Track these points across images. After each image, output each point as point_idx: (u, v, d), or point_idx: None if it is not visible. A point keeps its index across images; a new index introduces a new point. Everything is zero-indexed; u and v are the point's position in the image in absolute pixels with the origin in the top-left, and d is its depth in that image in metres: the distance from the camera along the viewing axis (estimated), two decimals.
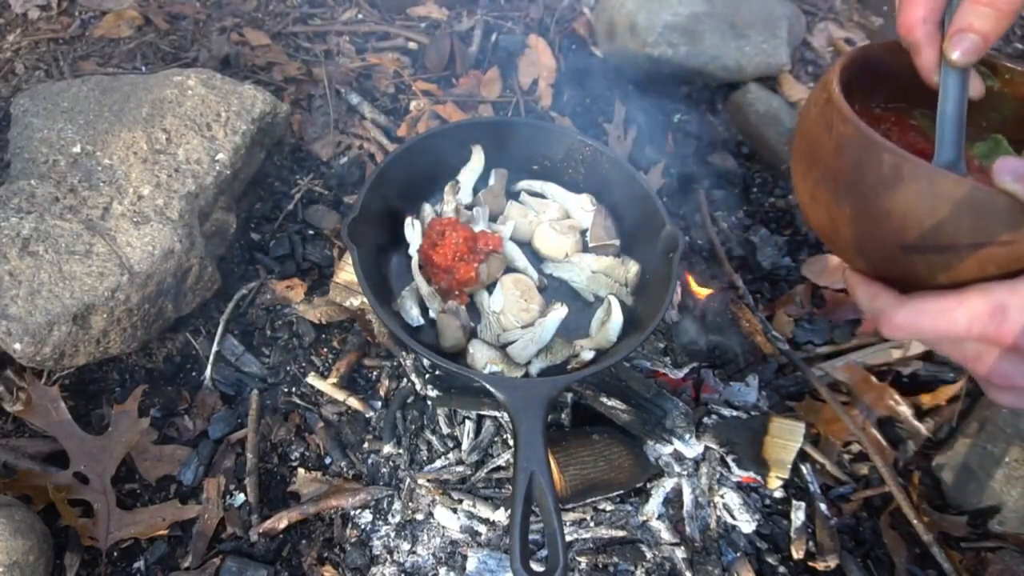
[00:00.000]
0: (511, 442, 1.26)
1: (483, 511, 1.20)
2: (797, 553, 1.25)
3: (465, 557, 1.17)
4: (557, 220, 1.37)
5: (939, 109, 0.76)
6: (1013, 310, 0.59)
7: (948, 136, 0.77)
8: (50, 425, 1.24)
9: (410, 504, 1.22)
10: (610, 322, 1.22)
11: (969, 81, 0.75)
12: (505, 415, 1.26)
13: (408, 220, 1.30)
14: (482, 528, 1.19)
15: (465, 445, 1.27)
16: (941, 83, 0.76)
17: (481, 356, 1.17)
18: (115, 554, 1.18)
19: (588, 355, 1.20)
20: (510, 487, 1.24)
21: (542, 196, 1.42)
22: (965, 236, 0.61)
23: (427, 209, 1.35)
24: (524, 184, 1.43)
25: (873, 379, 1.44)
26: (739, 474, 1.28)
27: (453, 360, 1.16)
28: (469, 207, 1.36)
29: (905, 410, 1.41)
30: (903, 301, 0.66)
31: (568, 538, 1.20)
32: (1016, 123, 0.78)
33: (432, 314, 1.23)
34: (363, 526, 1.21)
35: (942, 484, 1.37)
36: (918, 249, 0.65)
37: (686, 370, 1.33)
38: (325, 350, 1.42)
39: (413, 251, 1.28)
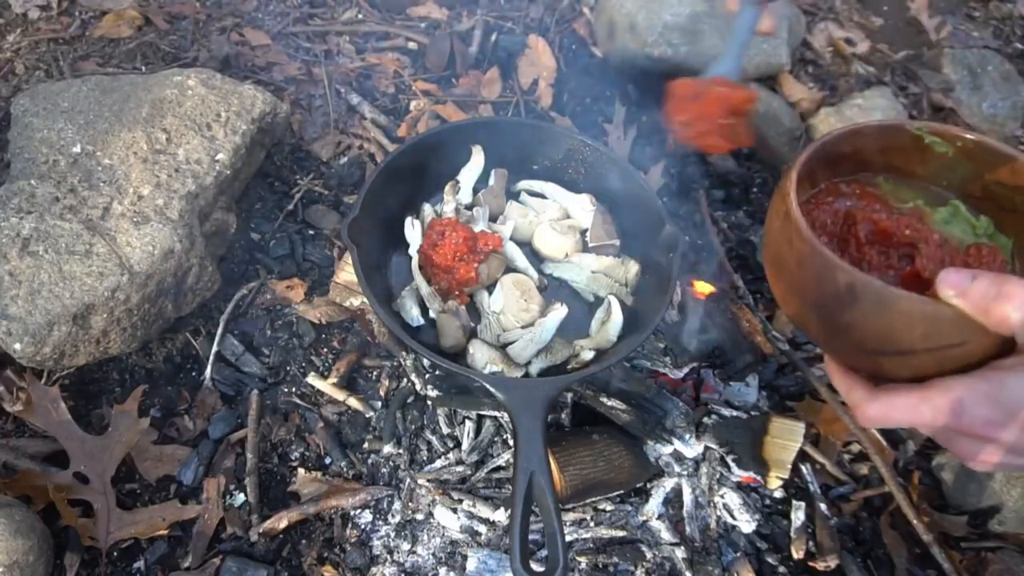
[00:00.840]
0: (511, 442, 1.26)
1: (483, 511, 1.20)
2: (797, 553, 1.25)
3: (465, 557, 1.17)
4: (557, 220, 1.37)
5: (732, 31, 1.08)
6: (970, 404, 0.65)
7: (732, 52, 1.13)
8: (50, 425, 1.24)
9: (410, 504, 1.22)
10: (610, 322, 1.22)
11: (759, 18, 1.05)
12: (505, 415, 1.26)
13: (408, 220, 1.30)
14: (482, 528, 1.19)
15: (465, 445, 1.27)
16: (738, 14, 1.06)
17: (481, 356, 1.17)
18: (115, 554, 1.18)
19: (588, 355, 1.20)
20: (510, 487, 1.24)
21: (542, 196, 1.42)
22: (920, 342, 0.67)
23: (427, 209, 1.35)
24: (524, 184, 1.43)
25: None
26: (739, 474, 1.28)
27: (453, 360, 1.16)
28: (469, 207, 1.36)
29: None
30: (874, 395, 0.72)
31: (568, 538, 1.20)
32: (973, 182, 0.83)
33: (432, 314, 1.23)
34: (363, 526, 1.21)
35: (942, 484, 1.37)
36: (881, 352, 0.70)
37: (686, 370, 1.33)
38: (325, 350, 1.42)
39: (413, 251, 1.28)
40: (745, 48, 1.10)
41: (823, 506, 1.30)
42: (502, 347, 1.21)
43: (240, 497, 1.24)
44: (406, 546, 1.19)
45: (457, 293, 1.23)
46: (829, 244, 0.77)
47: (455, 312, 1.20)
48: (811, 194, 0.84)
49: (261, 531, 1.20)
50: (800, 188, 0.77)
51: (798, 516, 1.28)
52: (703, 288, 1.49)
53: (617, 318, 1.22)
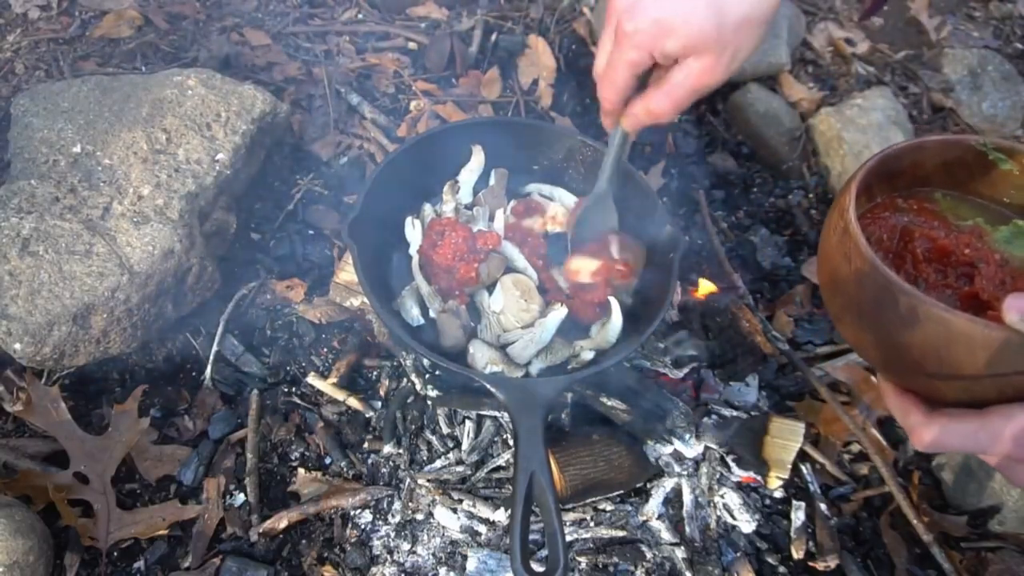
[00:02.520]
0: (511, 442, 1.26)
1: (483, 511, 1.20)
2: (797, 553, 1.25)
3: (465, 557, 1.17)
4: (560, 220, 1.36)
5: (606, 154, 1.16)
6: None
7: (607, 172, 1.19)
8: (50, 425, 1.24)
9: (410, 504, 1.22)
10: (610, 323, 1.22)
11: (629, 140, 1.12)
12: (505, 415, 1.26)
13: (408, 220, 1.30)
14: (482, 528, 1.19)
15: (465, 445, 1.27)
16: (612, 136, 1.12)
17: (481, 356, 1.17)
18: (115, 554, 1.18)
19: (588, 355, 1.20)
20: (510, 487, 1.24)
21: (550, 199, 1.42)
22: (982, 368, 0.65)
23: (427, 209, 1.35)
24: (534, 187, 1.43)
25: (873, 379, 1.44)
26: (739, 474, 1.28)
27: (453, 360, 1.16)
28: (469, 207, 1.36)
29: None
30: (931, 420, 0.70)
31: (568, 538, 1.20)
32: None
33: (432, 314, 1.23)
34: (363, 526, 1.21)
35: (942, 484, 1.37)
36: (939, 376, 0.68)
37: (686, 370, 1.33)
38: (325, 350, 1.42)
39: (413, 251, 1.28)
40: (617, 168, 1.18)
41: (823, 506, 1.30)
42: (502, 347, 1.21)
43: (240, 497, 1.24)
44: (406, 546, 1.19)
45: (457, 293, 1.23)
46: (885, 260, 0.74)
47: (455, 312, 1.20)
48: (867, 208, 0.82)
49: (261, 531, 1.20)
50: (856, 202, 0.75)
51: (798, 516, 1.28)
52: (705, 288, 1.49)
53: (617, 319, 1.22)
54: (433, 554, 1.18)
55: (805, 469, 1.35)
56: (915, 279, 0.75)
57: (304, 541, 1.21)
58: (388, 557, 1.18)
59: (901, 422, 0.74)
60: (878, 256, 0.70)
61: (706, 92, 0.94)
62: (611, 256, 1.23)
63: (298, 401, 1.35)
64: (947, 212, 0.82)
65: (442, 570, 1.16)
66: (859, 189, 0.76)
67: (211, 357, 1.37)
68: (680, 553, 1.19)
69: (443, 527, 1.20)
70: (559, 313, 1.19)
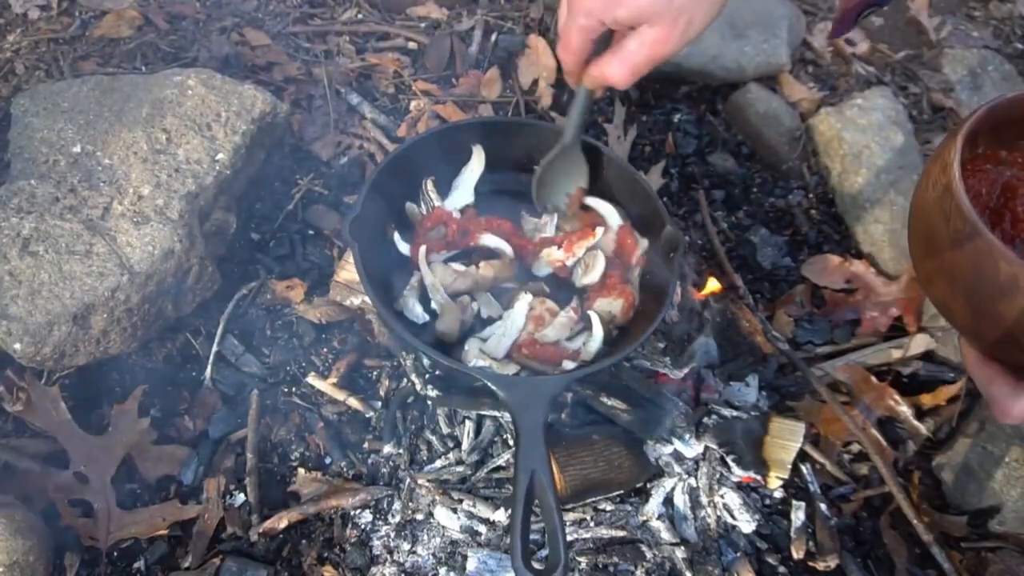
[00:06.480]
0: (511, 442, 1.26)
1: (483, 511, 1.20)
2: (797, 553, 1.25)
3: (465, 557, 1.17)
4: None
5: (572, 107, 1.18)
6: None
7: (573, 123, 1.20)
8: (50, 425, 1.24)
9: (410, 504, 1.22)
10: (591, 337, 1.21)
11: (593, 95, 1.13)
12: (506, 415, 1.26)
13: (408, 206, 1.32)
14: (482, 528, 1.19)
15: (465, 445, 1.27)
16: (577, 93, 1.14)
17: (472, 352, 1.18)
18: (115, 554, 1.18)
19: (569, 365, 1.19)
20: (510, 487, 1.24)
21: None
22: None
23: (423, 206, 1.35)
24: None
25: (873, 379, 1.44)
26: (739, 474, 1.28)
27: (450, 355, 1.17)
28: (473, 206, 1.36)
29: (905, 410, 1.41)
30: (1019, 392, 0.68)
31: (568, 538, 1.20)
32: None
33: (434, 305, 1.23)
34: (363, 526, 1.21)
35: (942, 484, 1.37)
36: None
37: (686, 370, 1.33)
38: (325, 350, 1.42)
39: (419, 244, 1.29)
40: (583, 122, 1.21)
41: (823, 506, 1.30)
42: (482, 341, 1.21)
43: (240, 497, 1.24)
44: (406, 546, 1.19)
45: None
46: (982, 217, 0.69)
47: (463, 307, 1.20)
48: (967, 159, 0.76)
49: (261, 531, 1.20)
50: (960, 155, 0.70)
51: (798, 516, 1.28)
52: (711, 287, 1.48)
53: (598, 333, 1.21)
54: (433, 554, 1.18)
55: (805, 469, 1.35)
56: (1012, 238, 0.71)
57: (304, 541, 1.21)
58: (388, 557, 1.18)
59: (984, 391, 0.72)
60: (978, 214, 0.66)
61: (661, 60, 0.95)
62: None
63: (298, 401, 1.35)
64: None
65: (442, 570, 1.16)
66: (964, 142, 0.71)
67: (211, 357, 1.37)
68: (680, 553, 1.19)
69: (443, 527, 1.20)
70: (524, 300, 1.19)
